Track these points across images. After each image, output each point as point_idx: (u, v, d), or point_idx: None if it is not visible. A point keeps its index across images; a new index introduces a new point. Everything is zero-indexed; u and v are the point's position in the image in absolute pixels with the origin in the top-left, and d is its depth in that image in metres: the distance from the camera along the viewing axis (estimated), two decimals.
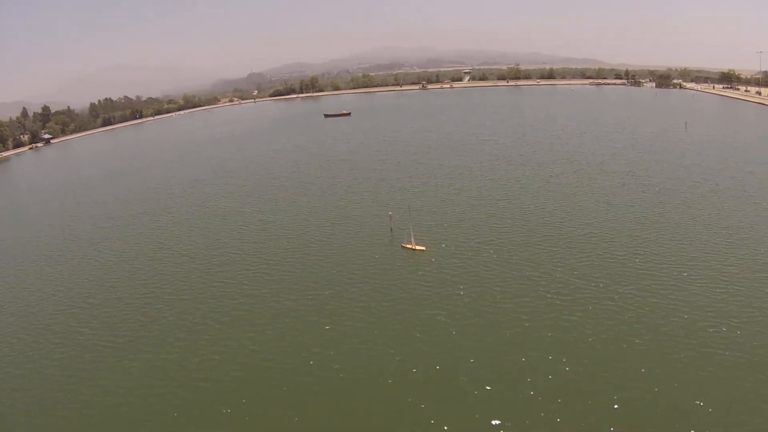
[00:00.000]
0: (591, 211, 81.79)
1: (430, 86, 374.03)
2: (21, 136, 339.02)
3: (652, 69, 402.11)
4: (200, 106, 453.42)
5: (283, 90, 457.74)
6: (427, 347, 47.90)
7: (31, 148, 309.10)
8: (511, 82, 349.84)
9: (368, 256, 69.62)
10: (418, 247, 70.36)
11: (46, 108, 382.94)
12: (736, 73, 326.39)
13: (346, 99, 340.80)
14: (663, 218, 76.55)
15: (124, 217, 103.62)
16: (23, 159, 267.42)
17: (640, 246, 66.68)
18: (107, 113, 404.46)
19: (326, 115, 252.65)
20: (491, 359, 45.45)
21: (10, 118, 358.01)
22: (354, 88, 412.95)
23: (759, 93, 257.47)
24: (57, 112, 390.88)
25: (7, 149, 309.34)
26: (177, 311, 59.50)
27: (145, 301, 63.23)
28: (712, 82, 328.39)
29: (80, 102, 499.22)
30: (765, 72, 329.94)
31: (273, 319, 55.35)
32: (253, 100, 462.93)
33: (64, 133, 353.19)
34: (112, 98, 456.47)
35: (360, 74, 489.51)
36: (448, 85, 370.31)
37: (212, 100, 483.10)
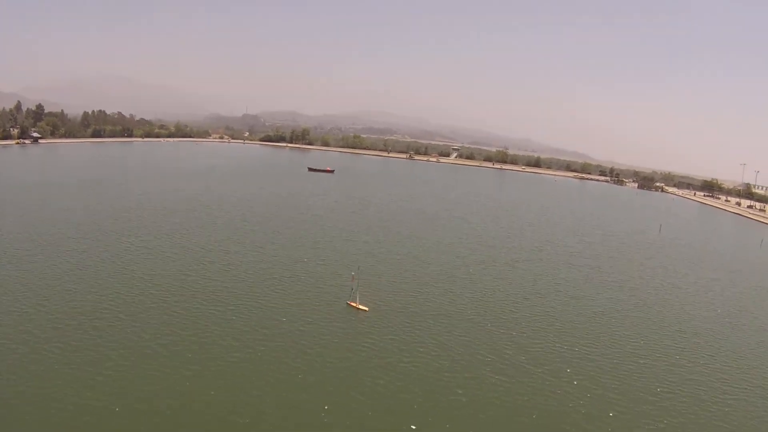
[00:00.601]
0: (551, 301, 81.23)
1: (417, 157, 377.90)
2: (11, 129, 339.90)
3: (637, 170, 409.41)
4: (190, 136, 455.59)
5: (274, 137, 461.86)
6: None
7: (17, 143, 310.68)
8: (497, 165, 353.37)
9: (318, 311, 68.10)
10: (361, 307, 70.07)
11: (40, 107, 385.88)
12: (719, 183, 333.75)
13: (333, 156, 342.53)
14: (620, 316, 77.09)
15: (89, 229, 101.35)
16: (7, 151, 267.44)
17: (592, 338, 67.22)
18: (99, 125, 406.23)
19: (310, 169, 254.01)
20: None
21: (3, 109, 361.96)
22: (343, 147, 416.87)
23: (738, 204, 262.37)
24: (50, 113, 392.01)
25: None
26: (118, 332, 57.61)
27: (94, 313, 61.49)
28: (694, 189, 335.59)
29: (74, 103, 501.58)
30: (746, 184, 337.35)
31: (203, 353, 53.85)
32: (242, 141, 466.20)
33: (53, 135, 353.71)
34: (106, 111, 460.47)
35: (351, 134, 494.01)
36: (434, 159, 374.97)
37: (203, 133, 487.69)
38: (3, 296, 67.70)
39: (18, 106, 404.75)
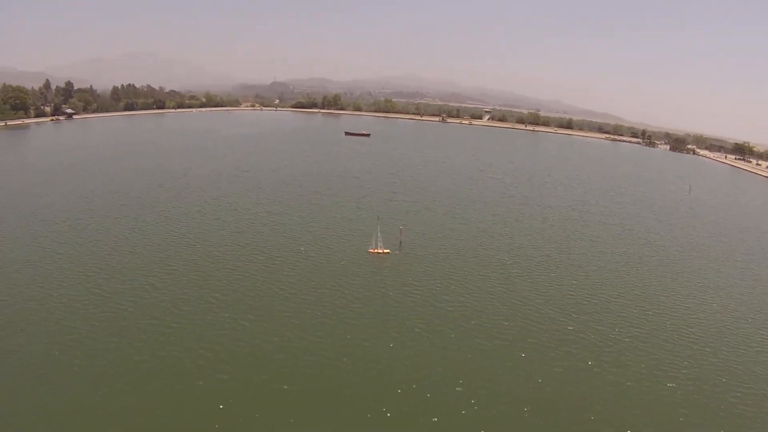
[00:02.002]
0: (580, 255, 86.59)
1: (449, 120, 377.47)
2: (43, 107, 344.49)
3: (669, 131, 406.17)
4: (221, 105, 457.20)
5: (305, 103, 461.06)
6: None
7: (52, 120, 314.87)
8: (529, 127, 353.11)
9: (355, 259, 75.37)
10: (384, 251, 78.88)
11: (69, 84, 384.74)
12: (750, 146, 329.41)
13: (366, 120, 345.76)
14: (644, 273, 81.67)
15: (137, 196, 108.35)
16: (44, 128, 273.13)
17: (618, 289, 72.54)
18: (129, 98, 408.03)
19: (347, 133, 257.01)
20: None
21: (32, 88, 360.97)
22: (375, 111, 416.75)
23: None
24: (80, 90, 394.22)
25: (29, 117, 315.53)
26: (176, 292, 63.53)
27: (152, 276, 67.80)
28: (725, 152, 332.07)
29: (100, 81, 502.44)
30: None
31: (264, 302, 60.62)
32: (274, 108, 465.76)
33: (85, 110, 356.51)
34: (135, 85, 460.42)
35: (382, 98, 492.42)
36: (467, 122, 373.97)
37: (234, 102, 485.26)
38: (103, 248, 76.54)
39: (47, 84, 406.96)
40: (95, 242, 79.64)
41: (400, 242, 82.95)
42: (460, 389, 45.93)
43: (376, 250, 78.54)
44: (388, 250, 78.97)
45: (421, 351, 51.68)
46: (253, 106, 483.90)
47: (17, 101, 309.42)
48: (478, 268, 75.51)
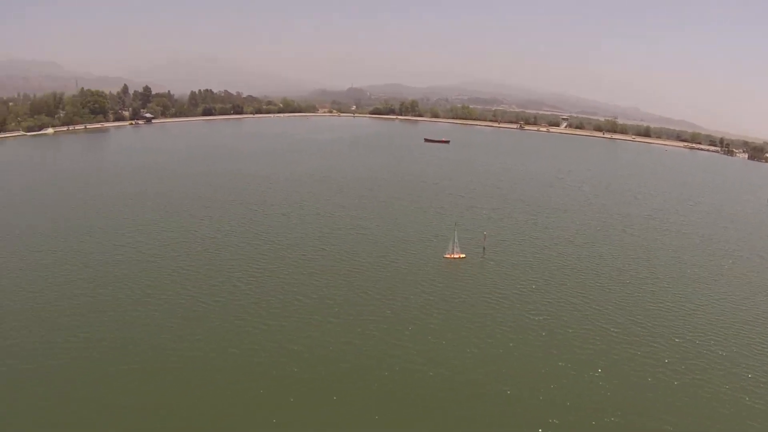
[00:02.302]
0: (660, 265, 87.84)
1: (527, 127, 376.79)
2: (122, 111, 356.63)
3: (748, 140, 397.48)
4: (299, 111, 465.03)
5: (383, 109, 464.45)
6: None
7: (131, 124, 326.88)
8: (607, 135, 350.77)
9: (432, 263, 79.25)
10: (460, 256, 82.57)
11: (147, 88, 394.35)
12: None
13: (444, 127, 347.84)
14: (726, 285, 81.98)
15: (220, 199, 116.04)
16: (123, 132, 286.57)
17: (701, 301, 73.25)
18: (207, 103, 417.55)
19: (426, 140, 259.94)
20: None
21: (110, 92, 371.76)
22: (452, 118, 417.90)
23: None
24: (157, 95, 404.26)
25: (108, 121, 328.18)
26: (261, 294, 68.00)
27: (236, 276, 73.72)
28: None
29: (174, 86, 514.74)
30: None
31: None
32: (352, 114, 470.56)
33: (163, 114, 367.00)
34: (213, 90, 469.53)
35: (459, 105, 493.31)
36: (545, 129, 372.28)
37: (311, 108, 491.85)
38: (189, 249, 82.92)
39: (125, 89, 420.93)
40: (180, 243, 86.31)
41: (484, 248, 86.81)
42: (541, 399, 47.92)
43: (452, 256, 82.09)
44: (464, 255, 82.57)
45: (499, 359, 53.89)
46: (330, 112, 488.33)
47: (96, 105, 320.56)
48: (557, 276, 78.04)
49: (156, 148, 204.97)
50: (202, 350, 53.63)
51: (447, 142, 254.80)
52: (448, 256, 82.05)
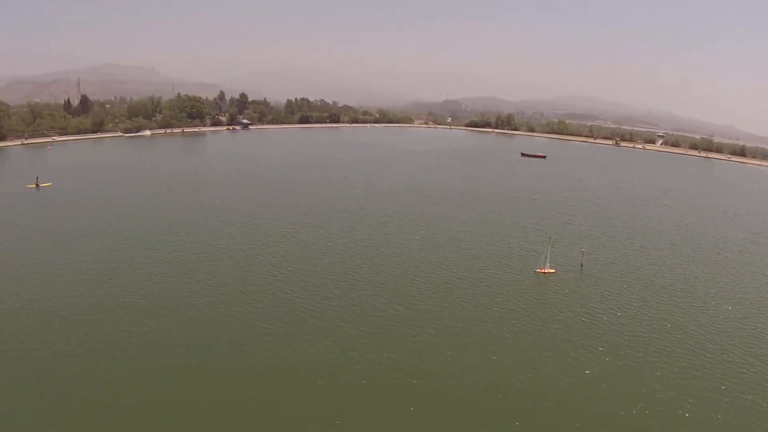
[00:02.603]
0: (757, 290, 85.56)
1: (623, 143, 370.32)
2: (218, 117, 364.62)
3: None
4: (395, 122, 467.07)
5: (479, 122, 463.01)
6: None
7: (228, 129, 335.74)
8: (702, 153, 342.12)
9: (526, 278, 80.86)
10: (549, 271, 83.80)
11: (243, 95, 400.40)
12: None
13: (540, 141, 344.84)
14: None
15: (321, 205, 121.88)
16: (220, 137, 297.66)
17: None
18: (303, 112, 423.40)
19: (523, 154, 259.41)
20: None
21: (206, 98, 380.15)
22: (548, 133, 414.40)
23: None
24: (254, 101, 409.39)
25: (205, 126, 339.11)
26: (359, 300, 70.97)
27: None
28: None
29: (269, 94, 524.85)
30: None
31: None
32: (448, 127, 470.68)
33: (260, 121, 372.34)
34: (309, 99, 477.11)
35: (556, 120, 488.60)
36: (640, 146, 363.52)
37: (406, 119, 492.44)
38: (288, 253, 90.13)
39: (221, 96, 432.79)
40: (282, 247, 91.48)
41: (582, 264, 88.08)
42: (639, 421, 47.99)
43: (543, 270, 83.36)
44: (553, 270, 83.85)
45: (593, 381, 53.66)
46: (426, 123, 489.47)
47: (193, 110, 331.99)
48: (652, 296, 77.74)
49: (255, 154, 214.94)
50: (299, 352, 56.38)
51: (543, 157, 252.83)
52: (539, 270, 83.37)
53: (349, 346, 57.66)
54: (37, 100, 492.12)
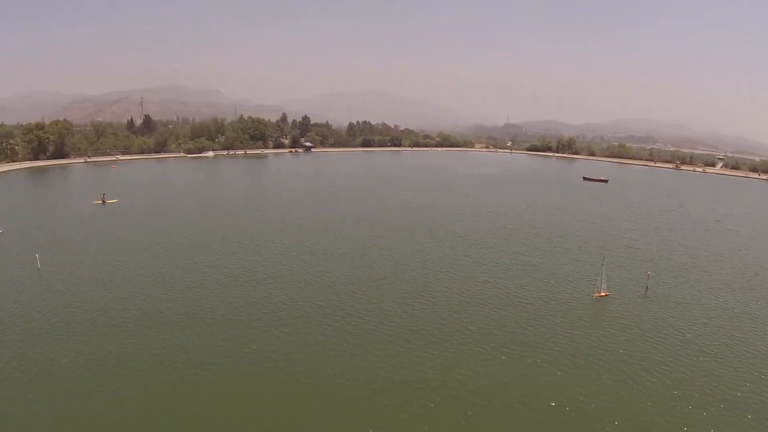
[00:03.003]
0: None
1: (683, 167, 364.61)
2: (280, 139, 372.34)
3: None
4: (456, 146, 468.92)
5: (540, 146, 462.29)
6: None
7: (290, 152, 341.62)
8: (763, 176, 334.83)
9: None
10: (604, 294, 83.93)
11: (306, 118, 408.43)
12: None
13: (601, 165, 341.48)
14: None
15: (388, 227, 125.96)
16: (282, 159, 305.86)
17: None
18: (365, 135, 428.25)
19: (585, 178, 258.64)
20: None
21: (268, 120, 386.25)
22: (608, 156, 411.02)
23: None
24: (316, 124, 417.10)
25: (267, 148, 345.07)
26: (430, 320, 74.21)
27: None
28: None
29: (334, 116, 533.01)
30: None
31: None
32: (509, 151, 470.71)
33: (322, 144, 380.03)
34: (371, 122, 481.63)
35: (616, 144, 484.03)
36: (700, 169, 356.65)
37: (467, 143, 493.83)
38: (356, 273, 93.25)
39: (284, 118, 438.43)
40: (350, 266, 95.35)
41: (647, 287, 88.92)
42: None
43: (599, 294, 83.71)
44: (608, 293, 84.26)
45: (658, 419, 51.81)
46: (487, 147, 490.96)
47: (256, 132, 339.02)
48: (717, 321, 76.92)
49: (321, 176, 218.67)
50: (365, 372, 57.51)
51: (606, 181, 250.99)
52: (596, 294, 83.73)
53: (424, 363, 59.67)
54: (100, 119, 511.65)
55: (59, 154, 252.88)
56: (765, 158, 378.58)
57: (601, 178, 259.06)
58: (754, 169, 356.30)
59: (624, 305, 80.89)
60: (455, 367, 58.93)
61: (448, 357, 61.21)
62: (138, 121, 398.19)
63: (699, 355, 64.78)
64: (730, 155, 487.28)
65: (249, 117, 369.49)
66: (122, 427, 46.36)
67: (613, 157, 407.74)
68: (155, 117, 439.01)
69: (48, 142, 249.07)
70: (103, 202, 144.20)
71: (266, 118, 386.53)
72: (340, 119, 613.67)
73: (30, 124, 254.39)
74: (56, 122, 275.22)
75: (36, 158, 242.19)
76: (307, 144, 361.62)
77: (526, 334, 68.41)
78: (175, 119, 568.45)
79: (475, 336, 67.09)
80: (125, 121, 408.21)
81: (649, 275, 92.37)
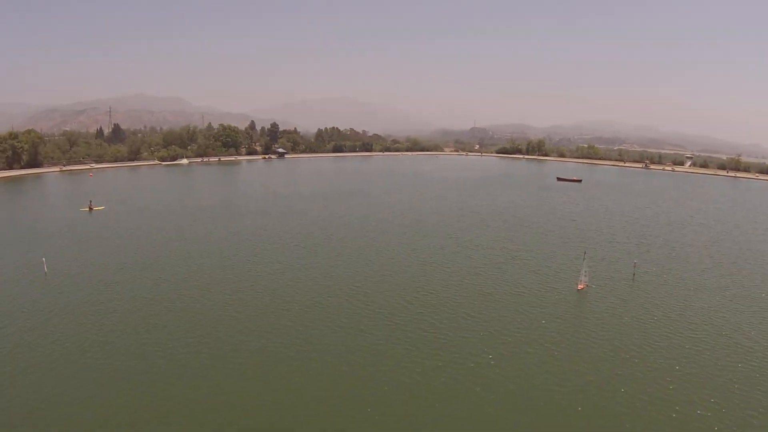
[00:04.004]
0: None
1: (652, 166, 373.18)
2: (253, 145, 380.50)
3: None
4: (425, 150, 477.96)
5: (509, 148, 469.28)
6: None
7: (264, 158, 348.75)
8: (731, 173, 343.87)
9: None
10: (584, 286, 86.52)
11: (274, 125, 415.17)
12: None
13: (571, 166, 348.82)
14: None
15: (373, 229, 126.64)
16: (256, 165, 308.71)
17: None
18: (334, 140, 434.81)
19: (558, 179, 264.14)
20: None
21: (237, 128, 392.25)
22: (578, 157, 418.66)
23: None
24: (285, 131, 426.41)
25: (240, 155, 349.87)
26: (443, 313, 77.64)
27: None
28: None
29: (300, 124, 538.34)
30: None
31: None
32: (479, 153, 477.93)
33: (293, 150, 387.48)
34: (339, 128, 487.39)
35: (585, 144, 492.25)
36: (669, 168, 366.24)
37: (435, 147, 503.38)
38: (353, 273, 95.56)
39: (252, 125, 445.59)
40: (350, 265, 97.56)
41: (634, 274, 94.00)
42: None
43: (582, 286, 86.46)
44: (583, 286, 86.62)
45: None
46: (456, 151, 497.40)
47: (228, 139, 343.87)
48: (702, 302, 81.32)
49: (297, 182, 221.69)
50: (371, 355, 60.36)
51: (579, 181, 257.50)
52: (580, 286, 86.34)
53: (432, 353, 61.56)
54: (67, 129, 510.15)
55: (33, 164, 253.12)
56: (732, 156, 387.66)
57: (575, 178, 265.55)
58: (722, 167, 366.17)
59: (612, 292, 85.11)
60: (471, 355, 61.50)
61: (450, 341, 63.84)
62: (106, 131, 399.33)
63: (688, 332, 68.93)
64: (698, 154, 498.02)
65: (221, 124, 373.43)
66: None
67: (583, 158, 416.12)
68: (123, 126, 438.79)
69: (22, 151, 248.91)
70: (90, 209, 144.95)
71: (235, 126, 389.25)
72: (306, 126, 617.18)
73: (4, 134, 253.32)
74: (29, 131, 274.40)
75: (10, 168, 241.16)
76: (280, 150, 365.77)
77: (518, 321, 71.83)
78: (143, 128, 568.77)
79: (473, 325, 69.87)
80: (93, 131, 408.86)
81: (635, 263, 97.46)
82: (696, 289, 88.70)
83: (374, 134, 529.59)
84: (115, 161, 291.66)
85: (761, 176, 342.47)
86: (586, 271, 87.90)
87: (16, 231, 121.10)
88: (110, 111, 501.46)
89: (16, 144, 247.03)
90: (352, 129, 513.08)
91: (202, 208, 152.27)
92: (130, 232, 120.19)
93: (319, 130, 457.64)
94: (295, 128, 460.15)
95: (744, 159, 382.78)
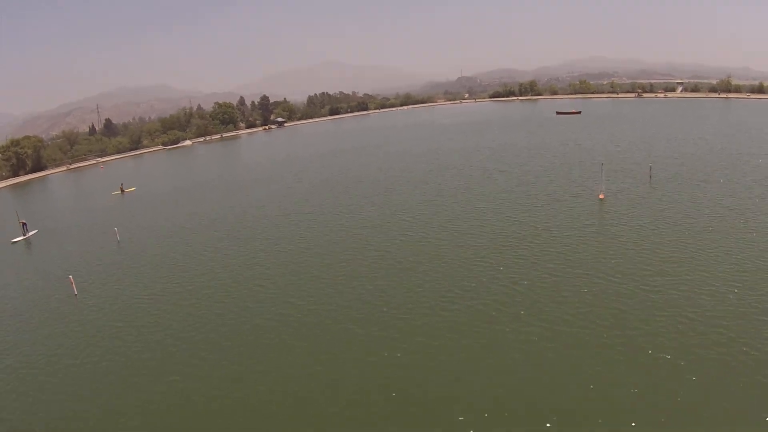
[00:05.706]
0: None
1: (645, 95, 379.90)
2: (252, 119, 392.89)
3: None
4: (420, 103, 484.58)
5: (503, 92, 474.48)
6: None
7: (264, 129, 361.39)
8: (722, 94, 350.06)
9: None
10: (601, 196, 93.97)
11: (265, 98, 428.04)
12: None
13: (565, 102, 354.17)
14: None
15: (403, 177, 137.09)
16: (258, 137, 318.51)
17: None
18: (331, 104, 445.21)
19: (558, 113, 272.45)
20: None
21: (231, 104, 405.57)
22: (570, 94, 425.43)
23: None
24: (275, 102, 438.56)
25: (239, 129, 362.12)
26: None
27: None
28: None
29: (287, 95, 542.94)
30: None
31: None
32: (473, 100, 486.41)
33: (291, 119, 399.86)
34: (329, 92, 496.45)
35: (577, 81, 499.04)
36: (662, 95, 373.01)
37: (430, 99, 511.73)
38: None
39: (242, 101, 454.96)
40: (375, 219, 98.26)
41: (650, 176, 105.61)
42: None
43: (601, 196, 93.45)
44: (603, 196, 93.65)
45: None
46: (450, 100, 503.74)
47: (225, 116, 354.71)
48: (716, 199, 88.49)
49: (304, 146, 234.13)
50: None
51: (579, 113, 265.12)
52: (601, 196, 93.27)
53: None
54: (56, 132, 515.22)
55: (37, 168, 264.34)
56: (720, 79, 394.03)
57: (574, 111, 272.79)
58: (713, 90, 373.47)
59: (633, 195, 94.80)
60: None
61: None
62: (98, 127, 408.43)
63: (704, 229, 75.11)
64: (688, 81, 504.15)
65: (215, 103, 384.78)
66: None
67: (575, 93, 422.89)
68: (113, 120, 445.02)
69: (26, 157, 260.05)
70: (122, 191, 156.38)
71: (230, 102, 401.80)
72: (296, 95, 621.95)
73: (5, 142, 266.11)
74: (28, 137, 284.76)
75: (16, 175, 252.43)
76: (279, 120, 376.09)
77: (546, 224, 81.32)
78: (132, 120, 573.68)
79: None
80: (83, 131, 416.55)
81: (650, 167, 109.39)
82: (709, 189, 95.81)
83: (365, 94, 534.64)
84: (119, 152, 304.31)
85: (752, 95, 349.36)
86: (604, 181, 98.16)
87: (71, 219, 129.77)
88: (98, 108, 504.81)
89: (19, 150, 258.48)
90: (341, 92, 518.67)
91: (230, 178, 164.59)
92: (170, 208, 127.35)
93: (310, 97, 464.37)
94: (285, 98, 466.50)
95: (734, 81, 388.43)
